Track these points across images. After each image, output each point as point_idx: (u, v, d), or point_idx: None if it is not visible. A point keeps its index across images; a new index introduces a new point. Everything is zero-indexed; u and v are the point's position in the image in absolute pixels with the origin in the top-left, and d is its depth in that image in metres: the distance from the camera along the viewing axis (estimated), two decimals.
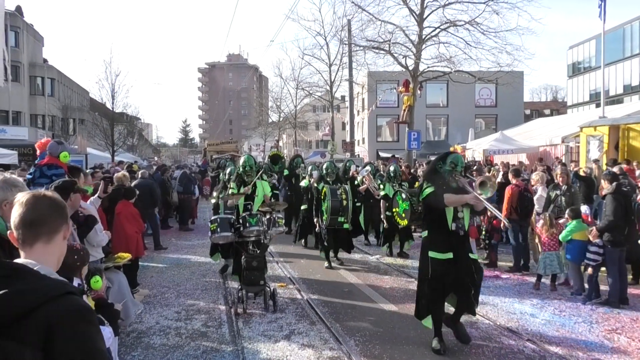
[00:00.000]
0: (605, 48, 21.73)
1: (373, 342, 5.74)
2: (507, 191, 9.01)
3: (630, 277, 8.11)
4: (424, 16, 21.37)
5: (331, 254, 9.74)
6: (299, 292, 7.87)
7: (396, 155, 25.45)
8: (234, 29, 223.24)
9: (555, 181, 9.38)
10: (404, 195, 9.13)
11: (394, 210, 9.61)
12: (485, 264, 9.49)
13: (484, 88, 38.96)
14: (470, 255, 5.44)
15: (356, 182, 11.40)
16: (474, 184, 5.05)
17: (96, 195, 6.55)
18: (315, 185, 9.92)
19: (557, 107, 58.58)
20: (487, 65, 22.36)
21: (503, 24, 24.40)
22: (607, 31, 22.48)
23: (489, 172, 13.73)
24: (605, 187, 7.34)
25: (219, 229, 6.95)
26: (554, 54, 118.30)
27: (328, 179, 9.74)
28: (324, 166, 10.08)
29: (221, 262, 9.18)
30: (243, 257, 6.88)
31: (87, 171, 8.34)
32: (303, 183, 11.65)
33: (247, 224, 6.82)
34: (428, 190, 5.34)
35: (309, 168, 11.76)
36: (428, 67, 22.59)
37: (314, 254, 10.60)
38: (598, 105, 24.27)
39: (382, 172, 12.33)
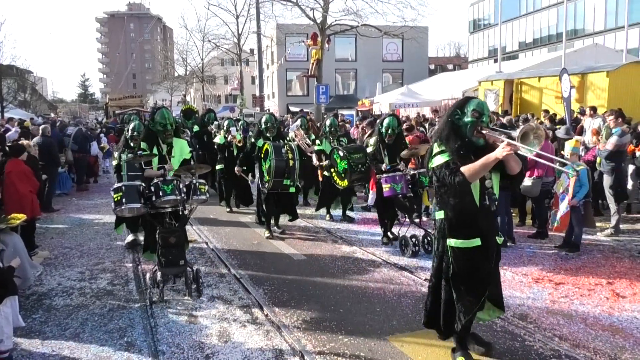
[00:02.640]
0: (502, 6, 22.78)
1: (281, 289, 5.92)
2: (409, 139, 9.39)
3: (516, 220, 8.90)
4: None
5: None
6: (207, 246, 7.89)
7: (305, 110, 25.53)
8: None
9: None
10: (341, 153, 8.27)
11: (332, 170, 8.69)
12: None
13: (390, 43, 39.67)
14: (497, 238, 4.05)
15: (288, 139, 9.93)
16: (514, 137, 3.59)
17: None
18: (253, 141, 8.72)
19: (460, 63, 60.96)
20: (393, 20, 22.82)
21: None
22: None
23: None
24: None
25: (124, 200, 5.57)
26: (457, 10, 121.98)
27: (268, 135, 8.56)
28: (263, 120, 8.82)
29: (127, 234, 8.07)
30: (158, 232, 5.72)
31: None
32: (217, 139, 10.56)
33: (161, 193, 5.52)
34: (441, 159, 3.79)
35: (226, 123, 10.73)
36: (336, 21, 22.63)
37: (230, 216, 10.58)
38: (496, 61, 25.57)
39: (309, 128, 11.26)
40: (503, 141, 3.57)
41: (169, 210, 5.77)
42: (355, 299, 5.64)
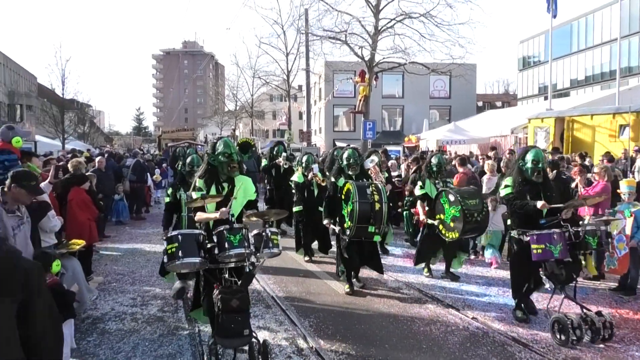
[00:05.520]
0: (553, 43, 22.58)
1: (327, 323, 5.95)
2: (456, 178, 9.39)
3: None
4: (380, 7, 21.63)
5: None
6: (254, 278, 7.98)
7: (352, 145, 25.72)
8: (190, 15, 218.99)
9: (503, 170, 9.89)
10: (451, 197, 6.89)
11: (437, 217, 7.28)
12: None
13: (438, 80, 39.71)
14: None
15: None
16: None
17: (46, 181, 6.52)
18: (333, 180, 7.38)
19: (508, 100, 60.23)
20: (440, 57, 22.89)
21: (456, 17, 25.01)
22: (555, 27, 23.33)
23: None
24: None
25: (180, 253, 4.40)
26: (506, 47, 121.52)
27: (350, 172, 7.21)
28: (344, 155, 7.33)
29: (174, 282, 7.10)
30: (216, 291, 4.43)
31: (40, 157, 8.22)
32: (295, 178, 9.28)
33: (227, 244, 4.40)
34: None
35: (304, 158, 9.43)
36: (384, 58, 22.90)
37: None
38: (546, 98, 25.22)
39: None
40: None
41: (232, 265, 4.60)
42: (401, 335, 5.59)
